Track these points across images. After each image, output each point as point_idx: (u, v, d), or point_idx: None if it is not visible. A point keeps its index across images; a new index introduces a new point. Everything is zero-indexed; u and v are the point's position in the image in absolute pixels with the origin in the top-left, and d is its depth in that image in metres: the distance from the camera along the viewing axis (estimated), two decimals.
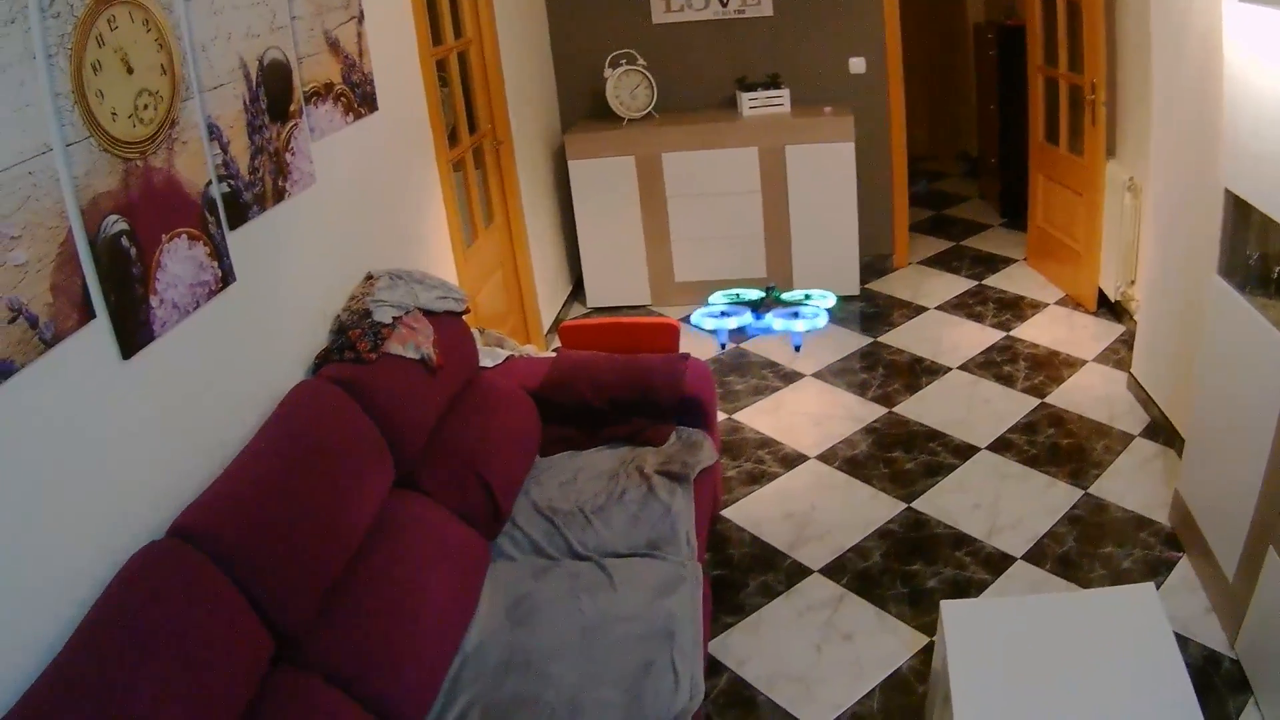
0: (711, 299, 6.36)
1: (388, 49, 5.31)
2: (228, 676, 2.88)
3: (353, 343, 4.26)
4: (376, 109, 5.12)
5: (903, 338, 8.25)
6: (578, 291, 9.27)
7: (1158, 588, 4.41)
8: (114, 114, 3.00)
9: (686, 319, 7.89)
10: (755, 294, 5.80)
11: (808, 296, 5.71)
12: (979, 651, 3.75)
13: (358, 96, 4.89)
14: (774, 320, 5.33)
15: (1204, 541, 5.03)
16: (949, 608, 3.97)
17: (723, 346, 6.45)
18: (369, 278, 4.79)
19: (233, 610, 3.02)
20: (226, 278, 3.61)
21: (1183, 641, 4.09)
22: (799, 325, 5.15)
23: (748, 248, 8.89)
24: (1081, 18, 8.01)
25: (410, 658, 3.52)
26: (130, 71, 3.09)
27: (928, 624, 4.96)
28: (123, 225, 3.02)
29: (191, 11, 3.47)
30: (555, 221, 8.81)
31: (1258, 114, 4.47)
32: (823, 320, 5.07)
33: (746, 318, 5.61)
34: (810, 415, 7.10)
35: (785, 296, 5.36)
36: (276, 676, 3.15)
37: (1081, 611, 4.02)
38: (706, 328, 5.44)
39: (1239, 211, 4.78)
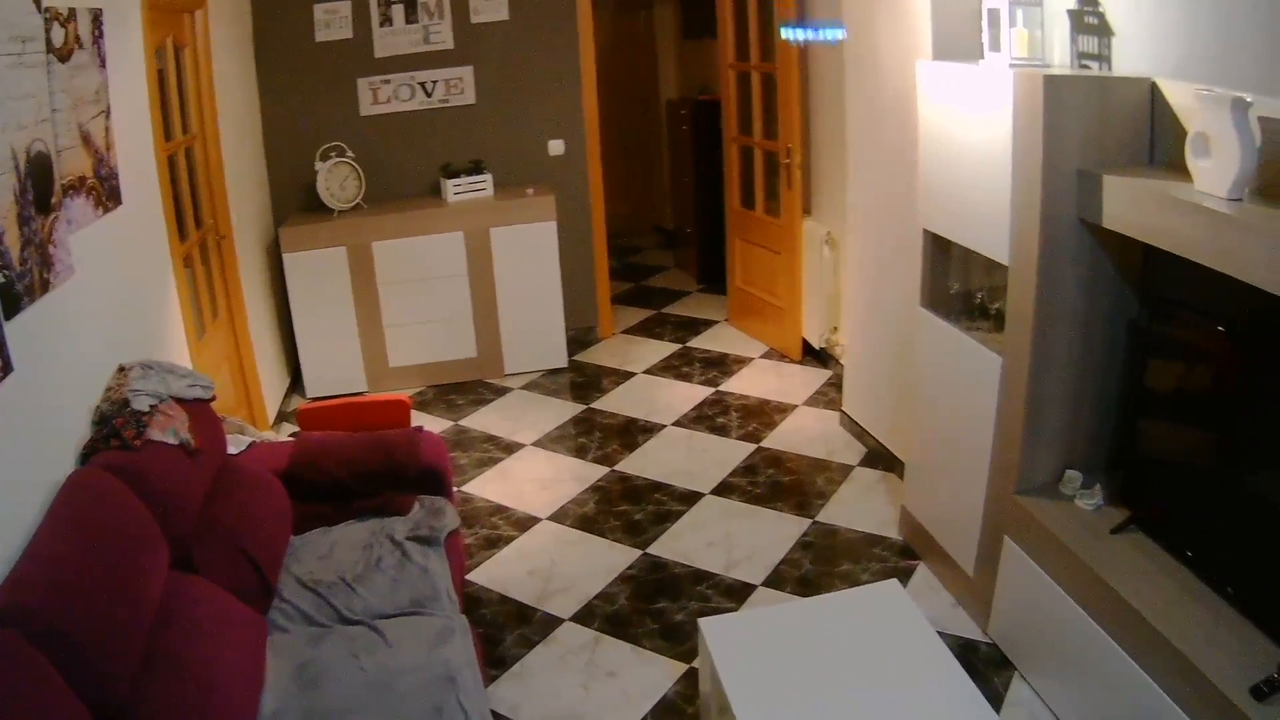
0: None
1: (129, 144, 5.33)
2: None
3: (118, 431, 4.30)
4: (121, 203, 5.14)
5: (615, 402, 8.60)
6: (297, 382, 9.28)
7: None
8: None
9: None
10: None
11: None
12: (746, 661, 4.00)
13: (106, 190, 4.92)
14: None
15: (938, 547, 5.49)
16: (707, 624, 4.24)
17: None
18: (121, 369, 4.83)
19: (55, 689, 3.02)
20: (7, 367, 3.63)
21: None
22: None
23: (458, 329, 9.15)
24: (776, 90, 8.61)
25: None
26: None
27: (683, 652, 5.24)
28: None
29: None
30: (273, 313, 8.83)
31: (945, 159, 4.95)
32: None
33: None
34: (536, 481, 7.33)
35: None
36: None
37: (834, 612, 4.36)
38: None
39: (938, 248, 5.22)
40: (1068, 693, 4.44)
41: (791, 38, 8.16)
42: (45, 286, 4.11)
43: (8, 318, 3.72)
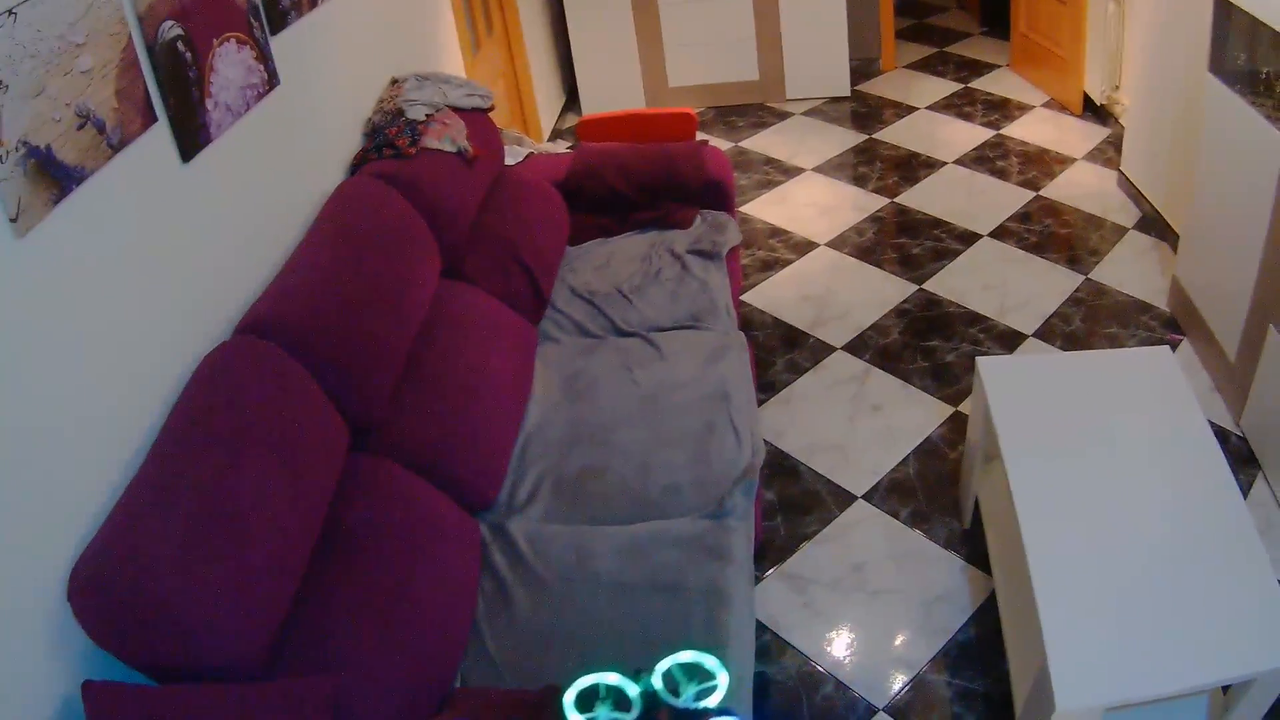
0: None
1: None
2: (316, 461, 3.00)
3: (391, 140, 4.33)
4: None
5: (896, 135, 8.33)
6: (571, 103, 9.25)
7: None
8: None
9: None
10: (621, 680, 3.54)
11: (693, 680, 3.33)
12: (1019, 405, 3.90)
13: None
14: None
15: (1204, 325, 5.20)
16: (985, 364, 4.12)
17: None
18: (394, 81, 4.84)
19: (311, 397, 3.14)
20: (272, 80, 3.68)
21: None
22: None
23: (740, 51, 8.91)
24: None
25: (480, 438, 3.65)
26: None
27: (951, 395, 5.18)
28: (178, 30, 3.08)
29: None
30: (549, 31, 8.74)
31: None
32: None
33: None
34: (816, 206, 7.23)
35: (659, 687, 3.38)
36: (356, 463, 3.27)
37: (1106, 368, 4.17)
38: None
39: (1224, 12, 4.88)
40: None
41: None
42: (313, 1, 4.14)
43: (274, 32, 3.77)
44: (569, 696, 2.74)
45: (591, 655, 3.07)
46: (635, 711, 2.75)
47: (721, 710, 2.78)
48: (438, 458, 3.50)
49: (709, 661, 2.86)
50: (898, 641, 4.01)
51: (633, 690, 2.77)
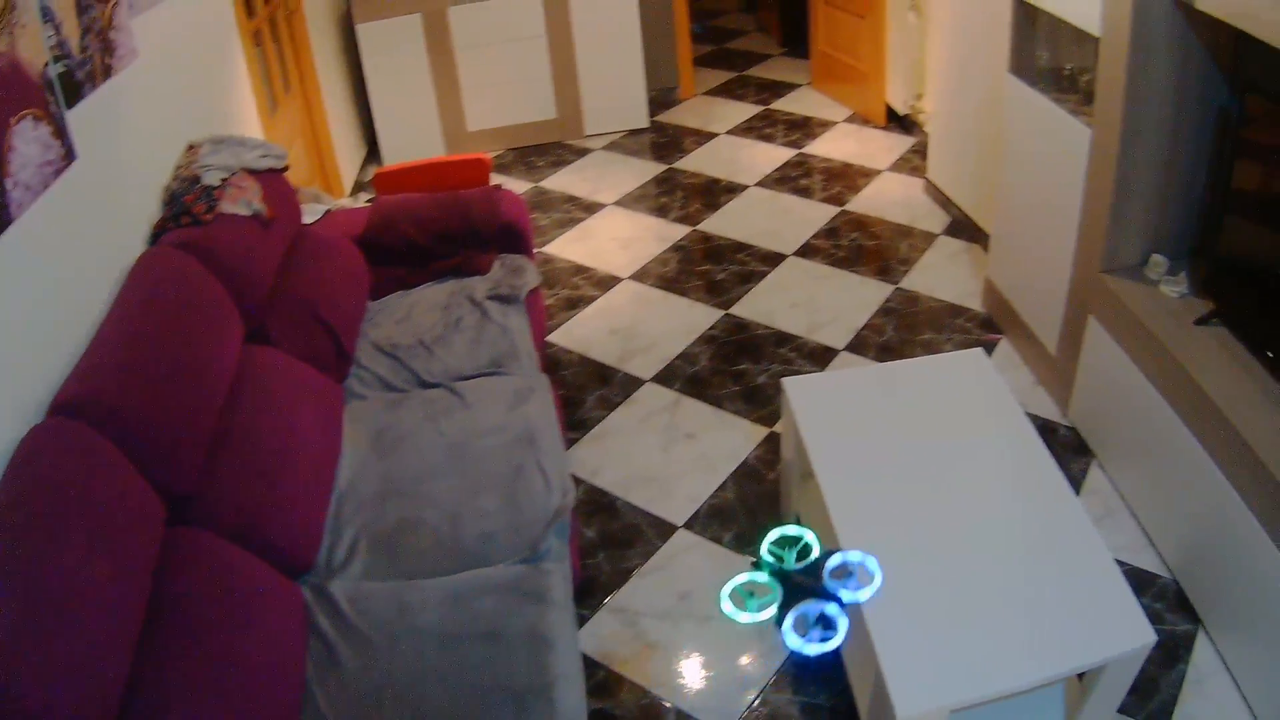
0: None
1: None
2: (133, 538, 2.98)
3: (188, 207, 4.32)
4: None
5: (697, 162, 8.50)
6: (373, 154, 9.25)
7: None
8: None
9: None
10: (750, 574, 3.73)
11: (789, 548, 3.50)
12: (829, 422, 4.00)
13: None
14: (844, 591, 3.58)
15: (1022, 322, 5.43)
16: (791, 384, 4.21)
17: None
18: (191, 147, 4.82)
19: (122, 474, 3.10)
20: (69, 155, 3.65)
21: None
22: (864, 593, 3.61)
23: (536, 90, 9.02)
24: None
25: (293, 501, 3.66)
26: None
27: (765, 416, 5.30)
28: None
29: None
30: (347, 84, 8.73)
31: None
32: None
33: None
34: (618, 240, 7.34)
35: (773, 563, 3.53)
36: (174, 536, 3.23)
37: (918, 377, 4.31)
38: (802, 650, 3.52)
39: (1025, 14, 5.04)
40: (1143, 484, 4.43)
41: None
42: (108, 72, 4.11)
43: (69, 106, 3.73)
44: (726, 606, 2.94)
45: (422, 707, 3.10)
46: (777, 590, 3.00)
47: (827, 553, 3.06)
48: (253, 525, 3.48)
49: (790, 529, 3.10)
50: (736, 664, 4.09)
51: (762, 578, 2.99)
